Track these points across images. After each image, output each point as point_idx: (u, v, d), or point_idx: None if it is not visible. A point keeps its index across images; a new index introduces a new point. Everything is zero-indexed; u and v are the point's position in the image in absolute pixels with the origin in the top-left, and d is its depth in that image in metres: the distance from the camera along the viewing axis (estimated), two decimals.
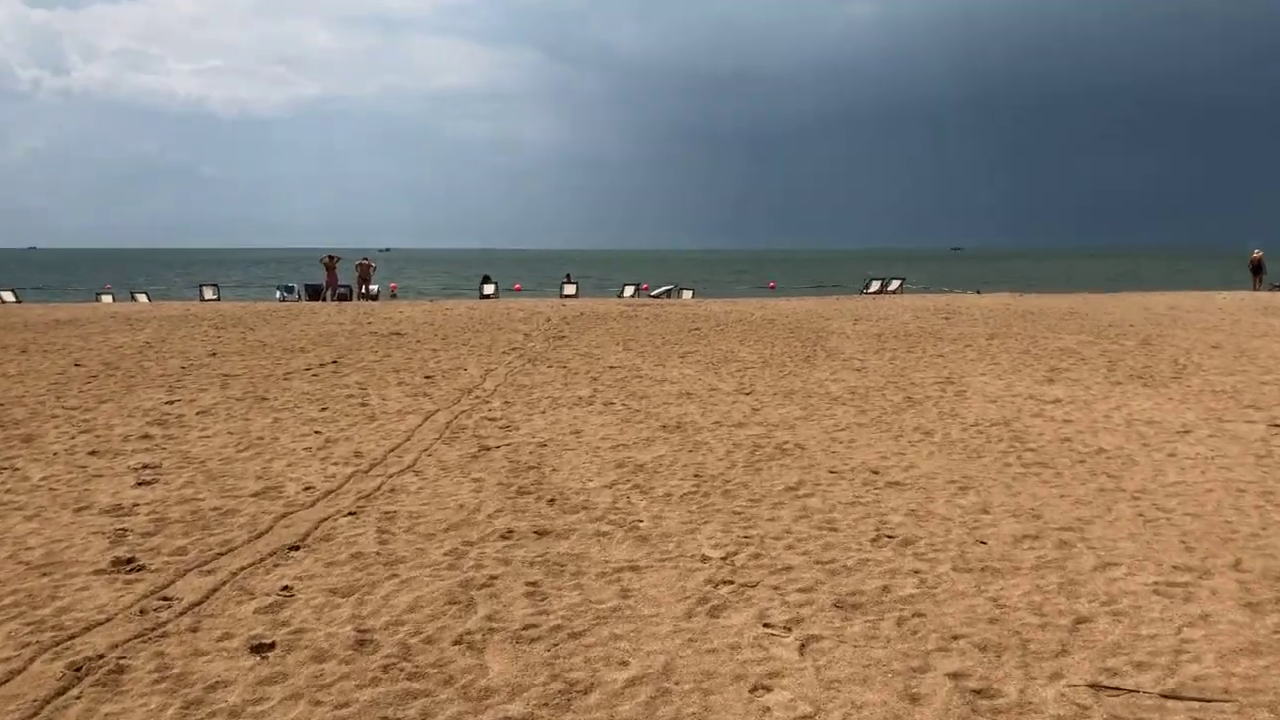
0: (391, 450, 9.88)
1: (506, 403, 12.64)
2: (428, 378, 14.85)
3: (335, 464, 9.30)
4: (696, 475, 8.78)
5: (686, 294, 40.10)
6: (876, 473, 8.89)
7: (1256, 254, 43.62)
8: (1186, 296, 35.23)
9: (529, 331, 21.99)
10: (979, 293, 43.28)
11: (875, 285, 40.24)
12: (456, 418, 11.61)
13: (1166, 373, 15.10)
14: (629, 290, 39.78)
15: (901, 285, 40.33)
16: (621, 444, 10.12)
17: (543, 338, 20.73)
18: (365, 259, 36.02)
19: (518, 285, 69.21)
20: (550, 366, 16.19)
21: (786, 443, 10.16)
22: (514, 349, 18.73)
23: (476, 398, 13.06)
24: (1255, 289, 41.15)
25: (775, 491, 8.22)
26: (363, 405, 12.51)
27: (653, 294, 40.54)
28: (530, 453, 9.72)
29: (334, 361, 16.69)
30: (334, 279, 35.16)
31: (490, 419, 11.53)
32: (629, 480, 8.62)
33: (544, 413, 11.95)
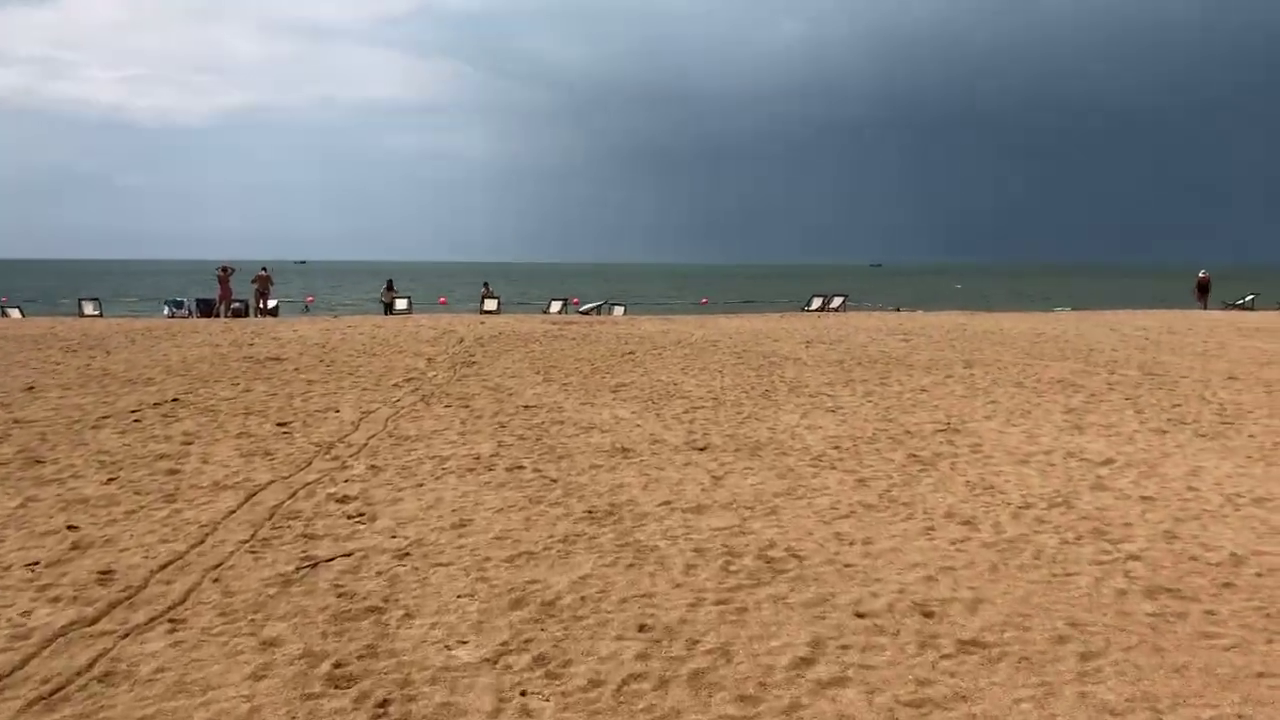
0: (162, 568, 6.14)
1: (373, 468, 8.95)
2: (282, 425, 11.08)
3: (50, 603, 5.55)
4: (642, 628, 5.16)
5: (618, 310, 36.55)
6: (929, 615, 5.36)
7: (1204, 275, 41.77)
8: (1146, 316, 32.56)
9: (433, 356, 18.25)
10: (897, 309, 40.50)
11: (817, 302, 37.12)
12: (292, 497, 7.90)
13: (1208, 415, 11.89)
14: (556, 306, 36.10)
15: (844, 303, 37.25)
16: (525, 552, 6.47)
17: (448, 365, 17.00)
18: (263, 270, 31.87)
19: (443, 299, 65.23)
20: (448, 406, 12.50)
21: (772, 546, 6.60)
22: (410, 380, 15.00)
23: (334, 459, 9.35)
24: (1204, 308, 39.06)
25: (779, 673, 4.64)
26: (171, 473, 8.72)
27: (581, 310, 36.91)
28: (378, 575, 6.04)
29: (174, 400, 12.81)
30: (228, 293, 31.02)
31: (340, 500, 7.83)
32: (527, 644, 4.95)
33: (420, 486, 8.27)
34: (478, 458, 9.38)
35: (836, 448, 9.96)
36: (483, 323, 27.13)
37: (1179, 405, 12.65)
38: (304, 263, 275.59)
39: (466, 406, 12.49)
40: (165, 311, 31.93)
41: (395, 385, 14.38)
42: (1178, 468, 9.04)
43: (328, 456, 9.43)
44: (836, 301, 37.15)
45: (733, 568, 6.12)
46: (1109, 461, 9.28)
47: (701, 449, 9.86)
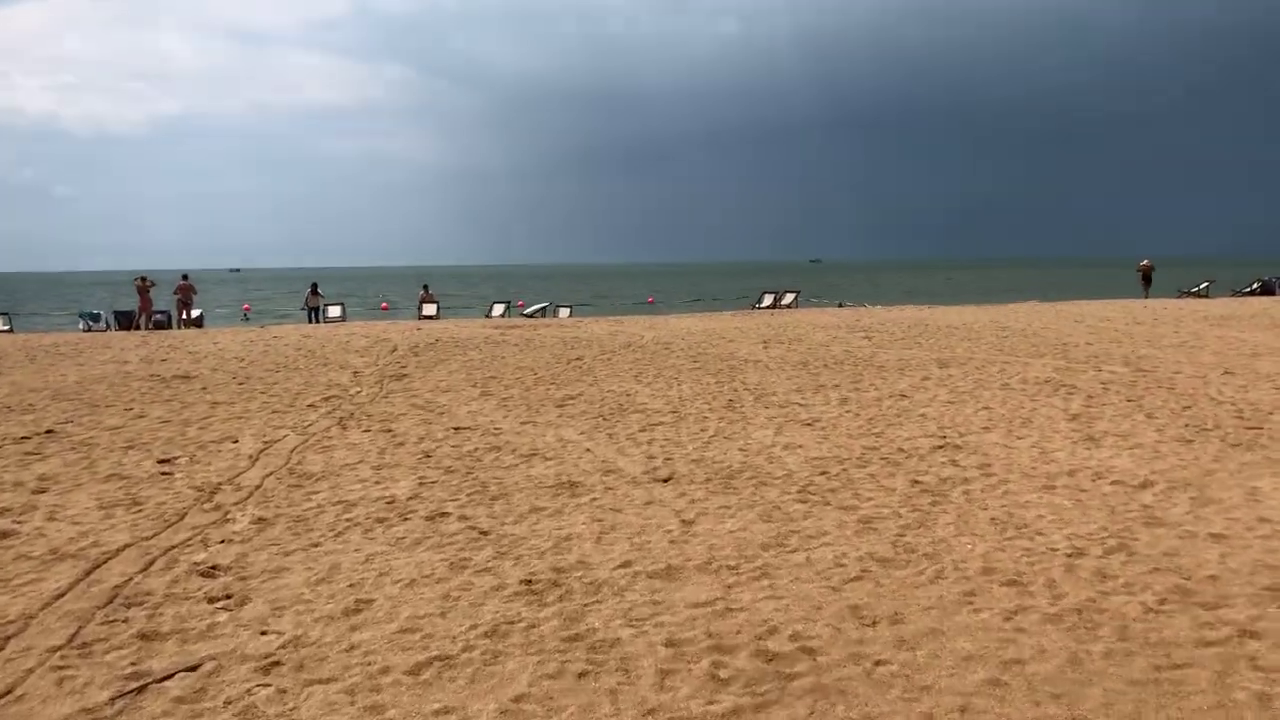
0: None
1: (260, 521, 7.07)
2: (164, 462, 9.13)
3: None
4: None
5: (564, 312, 34.69)
6: None
7: (1146, 263, 40.85)
8: (1102, 306, 31.40)
9: (361, 369, 16.32)
10: (840, 305, 39.16)
11: (768, 299, 35.51)
12: (146, 570, 6.01)
13: (1228, 419, 10.37)
14: (498, 309, 34.12)
15: (796, 299, 35.69)
16: (438, 656, 4.63)
17: (376, 378, 15.09)
18: (185, 279, 29.55)
19: (385, 304, 62.93)
20: (367, 431, 10.63)
21: (773, 633, 4.83)
22: (329, 398, 13.09)
23: (216, 509, 7.46)
24: (1145, 297, 38.15)
25: None
26: (1, 537, 6.80)
27: (525, 313, 35.00)
28: (227, 705, 4.18)
29: (47, 431, 10.80)
30: (147, 304, 28.67)
31: (207, 572, 5.95)
32: None
33: (315, 548, 6.42)
34: (392, 501, 7.53)
35: (824, 473, 8.25)
36: (419, 329, 25.21)
37: (1189, 408, 11.13)
38: (238, 270, 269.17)
39: (389, 431, 10.62)
40: (80, 325, 29.52)
41: (311, 405, 12.46)
42: (1230, 491, 7.44)
43: (208, 505, 7.53)
44: (788, 298, 35.60)
45: (723, 673, 4.37)
46: (1147, 485, 7.66)
47: (665, 480, 8.10)
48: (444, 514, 7.15)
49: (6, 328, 29.29)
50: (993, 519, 6.79)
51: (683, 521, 6.83)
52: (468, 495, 7.70)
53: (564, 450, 9.42)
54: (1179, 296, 37.20)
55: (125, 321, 29.40)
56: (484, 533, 6.66)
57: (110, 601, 5.43)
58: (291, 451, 9.56)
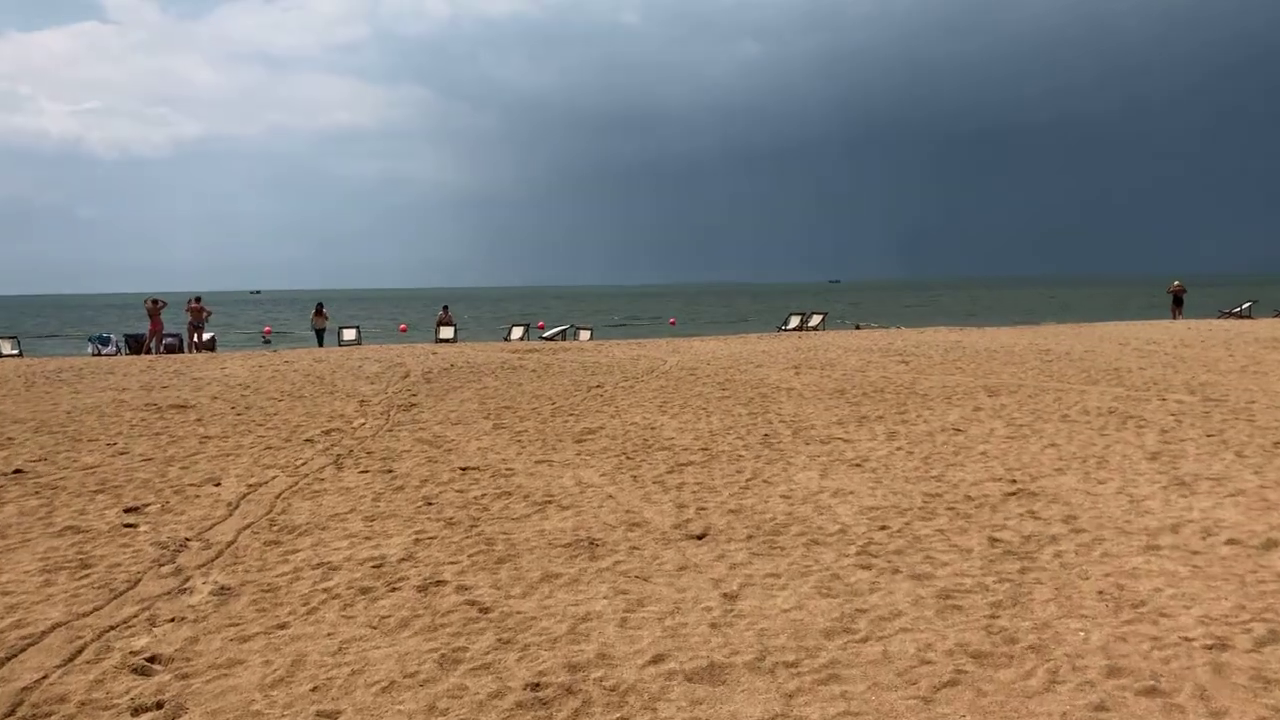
0: None
1: (222, 591, 5.90)
2: (131, 511, 7.99)
3: None
4: None
5: (584, 335, 33.53)
6: None
7: (1177, 284, 39.40)
8: (1142, 327, 30.06)
9: (369, 397, 15.20)
10: (858, 328, 37.81)
11: (795, 321, 34.23)
12: (70, 662, 4.84)
13: None
14: (517, 332, 33.00)
15: (824, 320, 34.39)
16: None
17: (383, 408, 13.96)
18: (196, 300, 28.54)
19: (403, 326, 62.05)
20: (365, 472, 9.47)
21: None
22: (330, 431, 11.97)
23: (175, 572, 6.29)
24: (1175, 318, 36.71)
25: None
26: None
27: (545, 335, 33.87)
28: None
29: (16, 471, 9.70)
30: (158, 327, 27.70)
31: (141, 668, 4.75)
32: None
33: (280, 630, 5.23)
34: (380, 565, 6.36)
35: (884, 528, 7.03)
36: (435, 353, 24.09)
37: None
38: (258, 292, 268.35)
39: (389, 471, 9.47)
40: (89, 349, 28.58)
41: (309, 440, 11.33)
42: None
43: (168, 569, 6.37)
44: (815, 320, 34.32)
45: None
46: (1273, 545, 6.41)
47: (699, 537, 6.90)
48: (439, 582, 5.97)
49: (15, 352, 28.37)
50: (1100, 592, 5.55)
51: (725, 596, 5.61)
52: (469, 556, 6.51)
53: (583, 496, 8.24)
54: (1220, 317, 35.74)
55: (135, 345, 28.44)
56: (485, 610, 5.46)
57: (8, 717, 4.27)
58: (277, 497, 8.41)
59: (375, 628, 5.25)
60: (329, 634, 5.15)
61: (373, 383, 17.21)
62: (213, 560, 6.57)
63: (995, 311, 63.30)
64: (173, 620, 5.42)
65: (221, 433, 12.01)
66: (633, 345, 26.13)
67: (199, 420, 13.11)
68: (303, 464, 9.92)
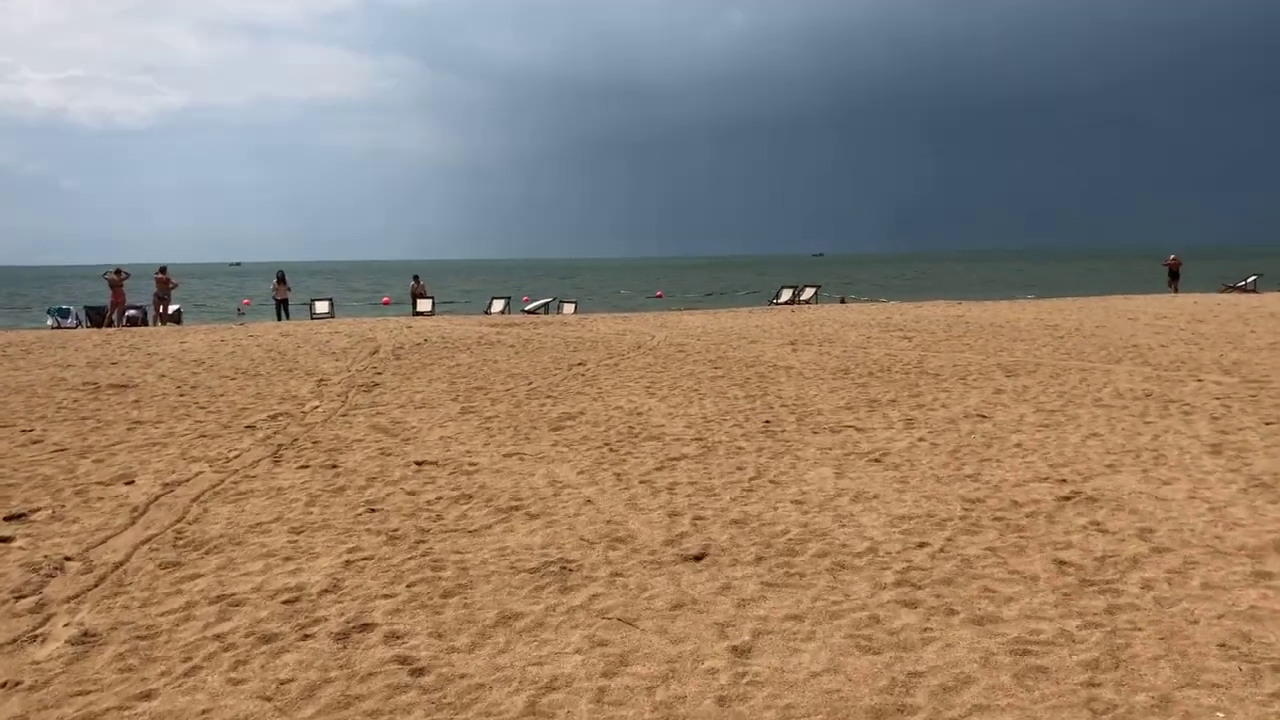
0: None
1: (83, 640, 4.52)
2: (10, 520, 6.56)
3: None
4: None
5: (568, 308, 32.09)
6: None
7: (1173, 258, 38.18)
8: (1146, 301, 28.80)
9: (330, 374, 13.78)
10: (843, 301, 36.41)
11: (787, 294, 32.83)
12: None
13: None
14: (498, 305, 31.50)
15: (816, 294, 33.01)
16: None
17: (342, 388, 12.55)
18: (161, 271, 26.96)
19: (386, 299, 60.48)
20: (305, 466, 8.07)
21: None
22: (277, 415, 10.56)
23: (34, 610, 4.89)
24: (1172, 292, 35.53)
25: None
26: None
27: (527, 309, 32.40)
28: None
29: None
30: (120, 299, 26.14)
31: None
32: None
33: (143, 698, 3.83)
34: (296, 599, 4.98)
35: (923, 545, 5.69)
36: (410, 327, 22.63)
37: None
38: (239, 264, 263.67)
39: (333, 466, 8.07)
40: (49, 322, 27.01)
41: (250, 427, 9.92)
42: None
43: (25, 604, 4.98)
44: (808, 293, 32.93)
45: None
46: None
47: (698, 558, 5.54)
48: (365, 626, 4.60)
49: None
50: (1221, 645, 4.22)
51: (734, 650, 4.25)
52: (409, 586, 5.13)
53: (556, 500, 6.86)
54: (1223, 291, 34.57)
55: (97, 317, 26.89)
56: (418, 671, 4.10)
57: None
58: (194, 500, 7.01)
59: (269, 699, 3.88)
60: (203, 712, 3.78)
61: (337, 359, 15.79)
62: (89, 590, 5.18)
63: (990, 286, 62.09)
64: (3, 686, 4.04)
65: (155, 417, 10.59)
66: (618, 319, 24.73)
67: (136, 402, 11.68)
68: (236, 456, 8.52)
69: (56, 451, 8.80)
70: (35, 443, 9.24)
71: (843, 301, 35.92)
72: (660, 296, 58.51)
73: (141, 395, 12.22)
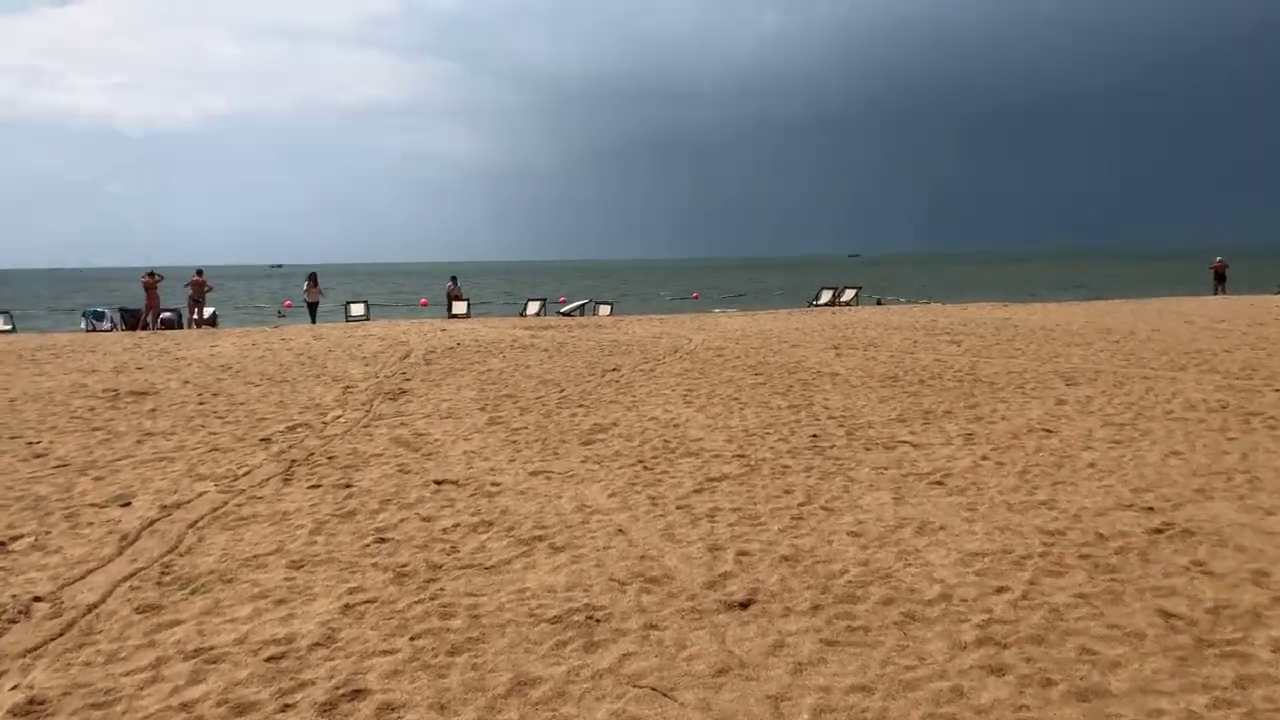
0: None
1: (25, 710, 3.86)
2: None
3: None
4: None
5: (604, 310, 31.40)
6: None
7: (1219, 260, 36.85)
8: (1199, 304, 27.64)
9: (356, 382, 13.15)
10: (879, 303, 35.32)
11: (826, 296, 31.92)
12: None
13: None
14: (533, 307, 30.87)
15: (857, 295, 32.04)
16: None
17: (367, 396, 11.91)
18: (198, 275, 26.59)
19: (424, 300, 60.17)
20: (316, 487, 7.40)
21: None
22: (296, 427, 9.92)
23: None
24: (1219, 294, 34.22)
25: None
26: None
27: (562, 311, 31.73)
28: None
29: None
30: (154, 301, 25.78)
31: None
32: None
33: None
34: (281, 656, 4.28)
35: (1003, 590, 4.89)
36: (444, 329, 22.06)
37: None
38: (279, 266, 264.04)
39: (346, 486, 7.39)
40: (83, 325, 26.73)
41: (265, 440, 9.27)
42: None
43: None
44: (848, 294, 31.98)
45: None
46: None
47: (744, 605, 4.79)
48: (357, 693, 3.89)
49: (7, 327, 26.57)
50: None
51: None
52: (412, 640, 4.42)
53: (584, 529, 6.13)
54: (1279, 293, 33.26)
55: (131, 320, 26.56)
56: None
57: None
58: (191, 526, 6.35)
59: None
60: None
61: (367, 364, 15.19)
62: (52, 639, 4.52)
63: (1033, 287, 60.65)
64: None
65: (169, 428, 9.99)
66: (654, 322, 23.98)
67: (153, 411, 11.10)
68: (245, 473, 7.86)
69: (58, 467, 8.20)
70: (38, 457, 8.65)
71: (879, 303, 34.92)
72: (696, 298, 57.72)
73: (160, 403, 11.65)
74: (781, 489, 7.03)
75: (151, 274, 25.94)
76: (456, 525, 6.25)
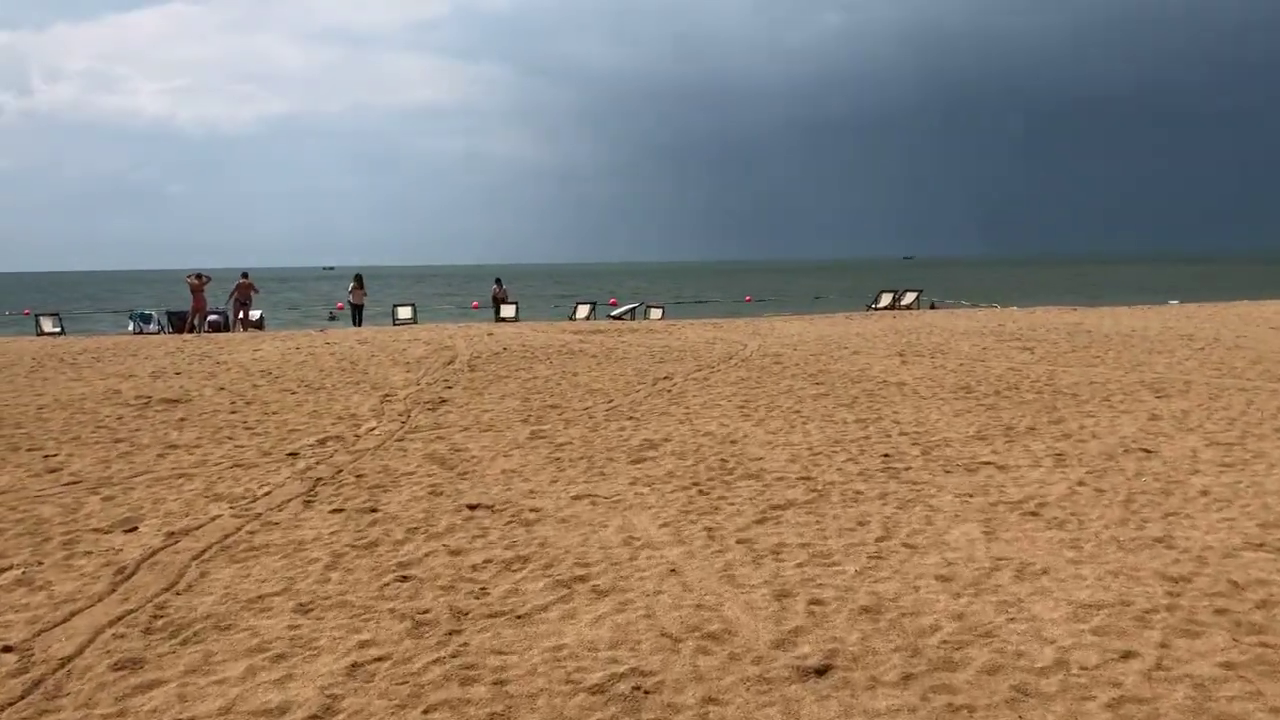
0: None
1: None
2: None
3: None
4: None
5: (655, 313, 30.63)
6: None
7: None
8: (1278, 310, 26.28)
9: (398, 388, 12.55)
10: (932, 306, 34.00)
11: (886, 299, 30.86)
12: None
13: None
14: (583, 311, 30.19)
15: (918, 298, 30.94)
16: None
17: (406, 405, 11.30)
18: (244, 277, 26.29)
19: (475, 303, 59.90)
20: (339, 511, 6.73)
21: None
22: (327, 439, 9.30)
23: None
24: None
25: None
26: None
27: (613, 314, 31.02)
28: None
29: None
30: (201, 304, 25.51)
31: None
32: None
33: None
34: None
35: (1128, 654, 4.06)
36: (491, 334, 21.44)
37: None
38: (331, 268, 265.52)
39: (372, 510, 6.72)
40: (130, 327, 26.55)
41: (293, 454, 8.66)
42: None
43: None
44: (909, 298, 30.90)
45: None
46: None
47: (820, 672, 4.02)
48: None
49: (56, 329, 26.48)
50: None
51: None
52: (426, 714, 3.70)
53: (632, 566, 5.39)
54: None
55: (179, 323, 26.33)
56: None
57: None
58: (196, 557, 5.71)
59: None
60: None
61: (409, 370, 14.58)
62: (8, 706, 3.87)
63: (1097, 289, 58.92)
64: None
65: (194, 440, 9.42)
66: (707, 326, 23.18)
67: (181, 420, 10.57)
68: (265, 494, 7.24)
69: (70, 484, 7.64)
70: (51, 472, 8.10)
71: (932, 306, 33.66)
72: (749, 301, 56.78)
73: (190, 411, 11.12)
74: (855, 520, 6.23)
75: (199, 275, 25.69)
76: (488, 561, 5.54)
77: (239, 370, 15.04)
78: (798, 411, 10.38)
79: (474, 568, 5.43)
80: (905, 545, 5.67)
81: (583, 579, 5.20)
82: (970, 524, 6.08)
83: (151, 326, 26.38)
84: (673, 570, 5.30)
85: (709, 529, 6.08)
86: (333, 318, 45.81)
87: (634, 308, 32.28)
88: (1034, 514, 6.28)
